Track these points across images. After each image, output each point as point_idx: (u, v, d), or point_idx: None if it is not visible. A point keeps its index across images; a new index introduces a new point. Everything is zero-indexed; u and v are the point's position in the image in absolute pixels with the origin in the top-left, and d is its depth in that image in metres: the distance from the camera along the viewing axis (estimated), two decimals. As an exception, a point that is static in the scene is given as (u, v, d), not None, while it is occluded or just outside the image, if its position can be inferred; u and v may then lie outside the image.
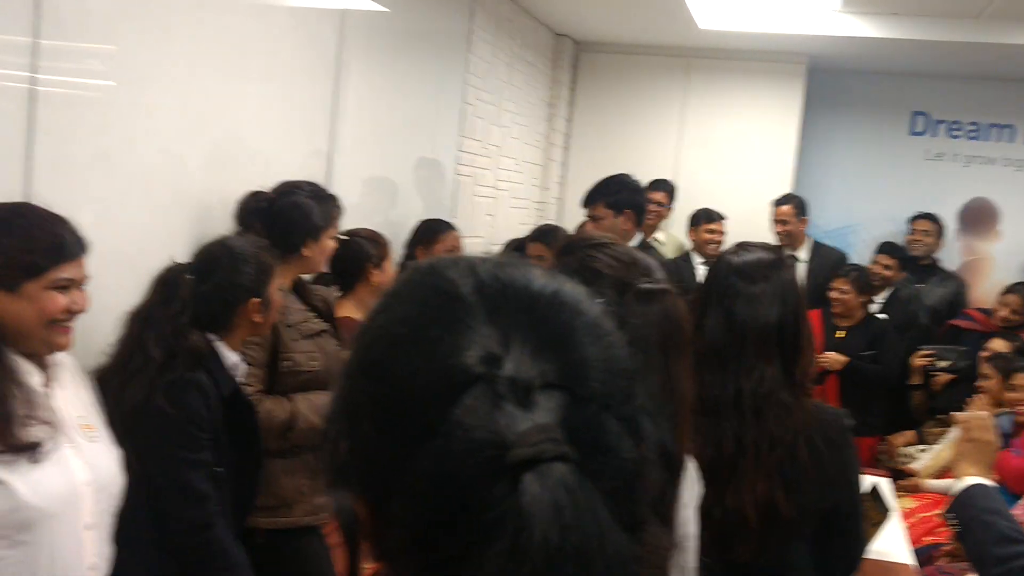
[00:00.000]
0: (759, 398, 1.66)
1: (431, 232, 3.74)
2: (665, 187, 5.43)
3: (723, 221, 5.30)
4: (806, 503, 1.67)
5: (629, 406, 0.63)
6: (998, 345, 4.47)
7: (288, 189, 2.67)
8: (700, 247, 5.27)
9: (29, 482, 1.50)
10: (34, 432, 1.53)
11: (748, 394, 1.66)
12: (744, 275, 1.72)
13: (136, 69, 2.36)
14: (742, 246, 1.82)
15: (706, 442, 1.63)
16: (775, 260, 1.77)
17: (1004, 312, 4.99)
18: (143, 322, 2.01)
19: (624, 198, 3.50)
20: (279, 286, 2.50)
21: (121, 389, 1.94)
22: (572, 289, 0.67)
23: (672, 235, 5.68)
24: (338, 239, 2.80)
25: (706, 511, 1.46)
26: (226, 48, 2.73)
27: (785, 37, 5.40)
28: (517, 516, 0.54)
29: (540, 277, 0.66)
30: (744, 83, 5.98)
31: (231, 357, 2.17)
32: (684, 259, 5.25)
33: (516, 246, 4.28)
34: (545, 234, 3.79)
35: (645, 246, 3.70)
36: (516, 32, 5.15)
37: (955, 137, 6.20)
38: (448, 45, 4.35)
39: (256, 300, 2.18)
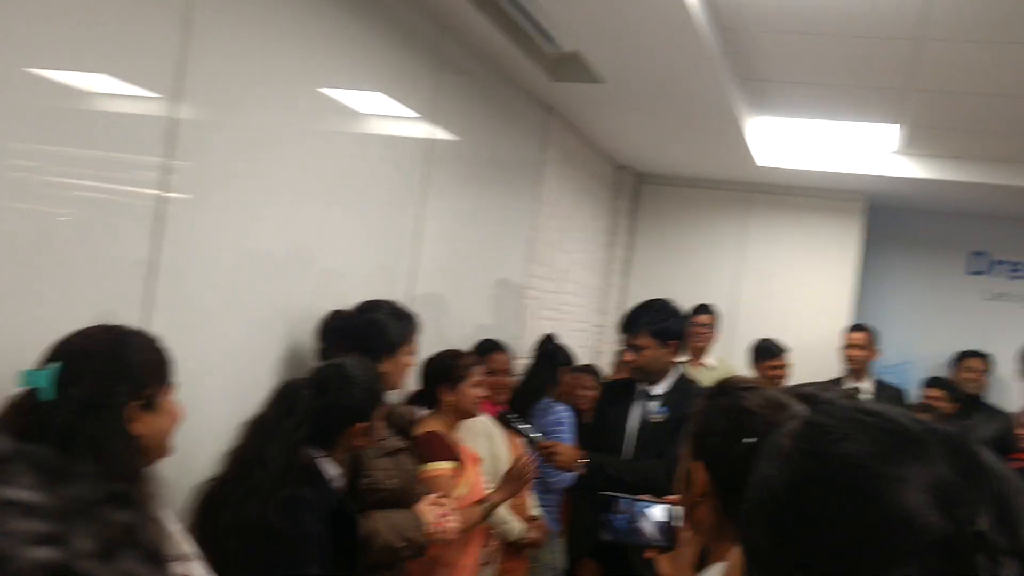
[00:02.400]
0: None
1: (483, 351, 3.66)
2: (709, 310, 5.47)
3: (786, 354, 5.30)
4: None
5: None
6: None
7: (368, 307, 2.76)
8: (765, 384, 5.22)
9: None
10: (180, 568, 1.54)
11: None
12: None
13: (247, 192, 2.51)
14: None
15: None
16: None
17: None
18: (265, 435, 2.06)
19: (671, 328, 3.31)
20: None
21: (243, 501, 1.98)
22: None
23: (723, 361, 5.66)
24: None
25: None
26: (327, 175, 2.89)
27: (843, 176, 5.52)
28: None
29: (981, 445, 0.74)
30: (803, 219, 6.08)
31: (331, 471, 2.22)
32: None
33: (549, 350, 4.23)
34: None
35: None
36: (581, 164, 5.34)
37: (1015, 278, 6.20)
38: (521, 175, 4.53)
39: (363, 425, 2.24)
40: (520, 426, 3.37)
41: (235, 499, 1.98)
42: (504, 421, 3.41)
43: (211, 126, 2.36)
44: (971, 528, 0.64)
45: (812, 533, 0.70)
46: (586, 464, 3.22)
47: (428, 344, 3.26)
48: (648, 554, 1.65)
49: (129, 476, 1.45)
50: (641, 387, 3.38)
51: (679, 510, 1.57)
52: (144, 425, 1.56)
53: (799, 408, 1.37)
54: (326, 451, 2.21)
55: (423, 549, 2.63)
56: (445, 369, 3.10)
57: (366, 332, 2.68)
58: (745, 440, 1.35)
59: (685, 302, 5.29)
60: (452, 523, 2.69)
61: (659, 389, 3.35)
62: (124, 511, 0.44)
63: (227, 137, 2.42)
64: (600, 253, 5.96)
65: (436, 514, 2.68)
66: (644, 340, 3.28)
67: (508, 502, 3.43)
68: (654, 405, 3.32)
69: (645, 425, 3.32)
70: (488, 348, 3.69)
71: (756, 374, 5.28)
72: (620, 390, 3.50)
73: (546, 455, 3.26)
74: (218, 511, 1.98)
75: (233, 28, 2.36)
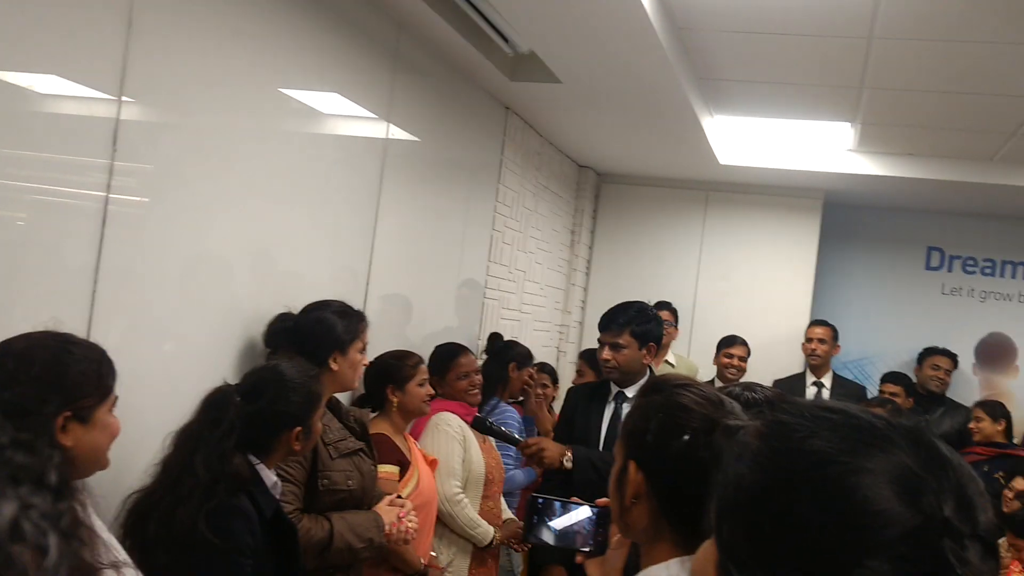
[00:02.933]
0: None
1: (448, 356, 3.64)
2: (669, 307, 5.54)
3: (743, 346, 5.40)
4: None
5: None
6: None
7: (314, 307, 2.74)
8: (720, 372, 5.35)
9: None
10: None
11: None
12: None
13: (197, 193, 2.48)
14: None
15: None
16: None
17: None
18: (193, 443, 2.01)
19: (651, 331, 3.33)
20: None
21: (171, 512, 1.93)
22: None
23: (682, 357, 5.73)
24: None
25: None
26: (282, 176, 2.86)
27: (801, 174, 5.58)
28: None
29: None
30: (762, 216, 6.14)
31: (270, 477, 2.18)
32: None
33: (498, 348, 4.23)
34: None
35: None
36: (542, 163, 5.36)
37: (970, 273, 6.32)
38: (480, 175, 4.53)
39: (299, 429, 2.20)
40: (502, 430, 3.35)
41: (163, 509, 1.93)
42: (481, 426, 3.39)
43: (159, 127, 2.33)
44: (938, 515, 0.68)
45: (788, 529, 0.72)
46: (573, 459, 3.16)
47: (388, 345, 3.25)
48: (578, 559, 1.63)
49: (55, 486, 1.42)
50: (615, 389, 3.38)
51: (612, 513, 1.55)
52: (74, 437, 1.54)
53: (735, 405, 1.37)
54: (263, 457, 2.16)
55: (382, 550, 2.62)
56: (390, 370, 3.09)
57: (314, 331, 2.66)
58: (683, 437, 1.33)
59: (647, 300, 5.35)
60: (411, 524, 2.69)
61: (632, 392, 3.33)
62: (25, 455, 0.52)
63: (177, 138, 2.39)
64: (562, 253, 5.98)
65: (395, 515, 2.67)
66: (625, 339, 3.28)
67: (480, 507, 3.43)
68: (628, 407, 3.30)
69: (617, 425, 3.30)
70: (454, 352, 3.64)
71: (716, 363, 5.45)
72: (591, 393, 3.48)
73: (533, 454, 3.20)
74: (146, 522, 1.93)
75: (179, 28, 2.33)
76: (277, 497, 2.21)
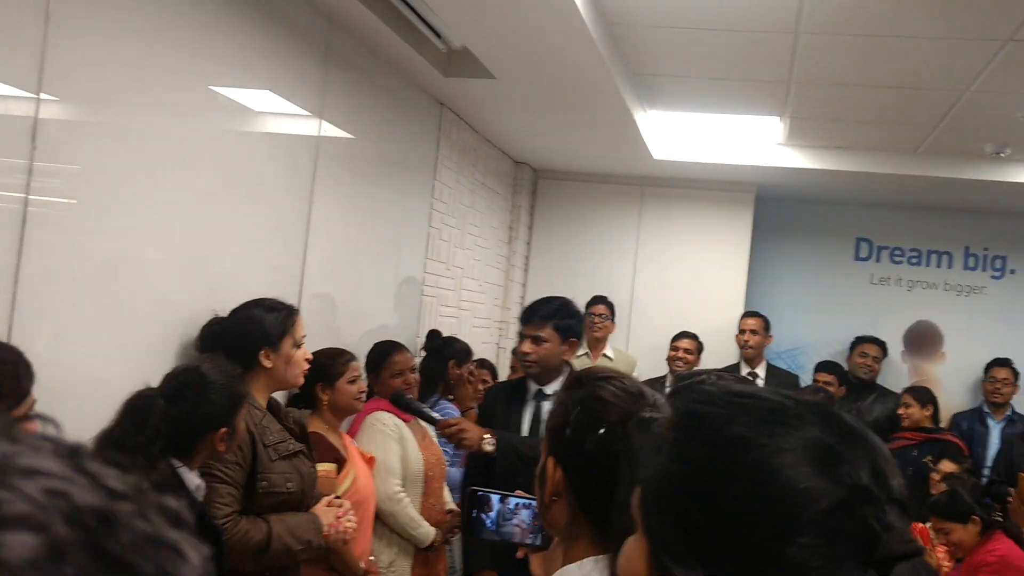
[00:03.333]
0: None
1: (383, 354, 3.60)
2: (605, 302, 5.61)
3: (689, 339, 5.53)
4: None
5: None
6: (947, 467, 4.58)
7: (243, 306, 2.69)
8: (670, 363, 5.50)
9: None
10: None
11: None
12: None
13: (124, 193, 2.42)
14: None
15: None
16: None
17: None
18: (117, 450, 1.94)
19: (573, 327, 3.31)
20: (256, 404, 2.51)
21: None
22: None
23: (621, 351, 5.78)
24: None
25: None
26: (208, 174, 2.80)
27: (734, 168, 5.67)
28: None
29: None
30: (696, 210, 6.23)
31: (193, 480, 2.14)
32: (660, 380, 5.39)
33: (436, 345, 4.22)
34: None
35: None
36: (479, 160, 5.35)
37: (897, 263, 6.49)
38: (415, 172, 4.50)
39: (224, 430, 2.16)
40: (420, 407, 3.31)
41: None
42: (399, 401, 3.33)
43: (82, 126, 2.27)
44: (857, 484, 0.71)
45: (718, 517, 0.73)
46: (496, 442, 3.06)
47: (324, 344, 3.21)
48: (519, 554, 1.61)
49: None
50: (534, 388, 3.34)
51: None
52: None
53: (657, 397, 1.37)
54: (185, 460, 2.12)
55: (321, 551, 2.59)
56: (320, 368, 3.05)
57: (244, 329, 2.61)
58: (599, 431, 1.31)
59: (585, 295, 5.42)
60: (349, 524, 2.67)
61: (551, 389, 3.28)
62: (171, 497, 0.48)
63: (101, 137, 2.33)
64: (500, 249, 5.98)
65: (333, 515, 2.65)
66: (547, 333, 3.25)
67: (421, 504, 3.40)
68: (548, 405, 3.27)
69: (539, 426, 3.24)
70: (388, 350, 3.60)
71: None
72: (511, 393, 3.44)
73: (452, 435, 3.11)
74: None
75: (101, 22, 2.27)
76: (200, 500, 2.17)
